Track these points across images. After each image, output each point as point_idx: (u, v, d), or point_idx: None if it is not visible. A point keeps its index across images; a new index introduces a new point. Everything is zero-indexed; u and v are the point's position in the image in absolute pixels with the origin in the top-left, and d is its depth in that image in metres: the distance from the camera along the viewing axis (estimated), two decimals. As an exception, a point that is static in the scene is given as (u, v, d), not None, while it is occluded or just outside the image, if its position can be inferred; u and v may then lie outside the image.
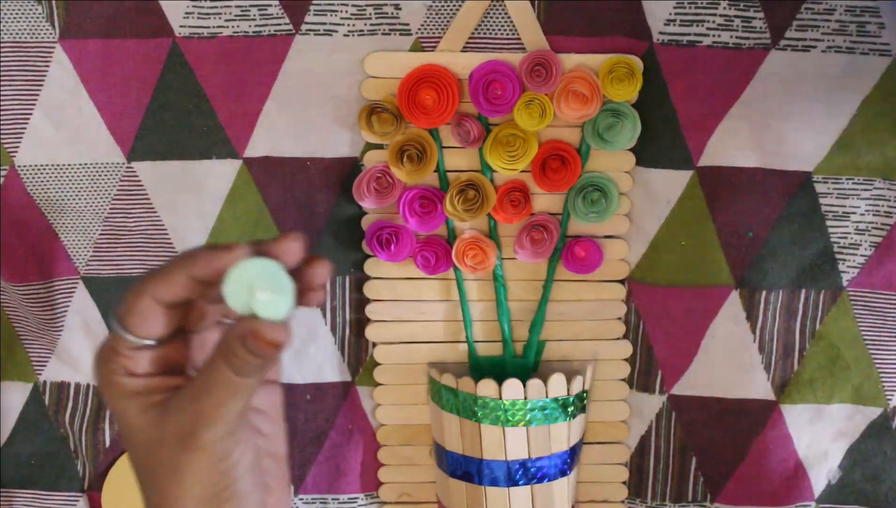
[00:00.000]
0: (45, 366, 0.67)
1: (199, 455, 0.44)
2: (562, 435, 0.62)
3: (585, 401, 0.64)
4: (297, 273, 0.45)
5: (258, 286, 0.43)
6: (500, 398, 0.61)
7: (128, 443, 0.46)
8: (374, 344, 0.65)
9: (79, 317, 0.65)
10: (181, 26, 0.59)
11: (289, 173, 0.62)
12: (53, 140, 0.61)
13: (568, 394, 0.62)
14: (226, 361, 0.43)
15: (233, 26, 0.59)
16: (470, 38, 0.60)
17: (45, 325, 0.65)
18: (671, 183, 0.61)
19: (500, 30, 0.60)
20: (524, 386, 0.61)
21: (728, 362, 0.65)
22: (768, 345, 0.65)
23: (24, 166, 0.62)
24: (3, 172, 0.62)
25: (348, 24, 0.59)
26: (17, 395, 0.68)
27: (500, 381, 0.61)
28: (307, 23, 0.59)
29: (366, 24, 0.59)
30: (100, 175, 0.62)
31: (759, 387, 0.65)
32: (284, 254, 0.44)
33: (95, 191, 0.63)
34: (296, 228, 0.62)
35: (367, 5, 0.59)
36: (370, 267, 0.64)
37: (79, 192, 0.63)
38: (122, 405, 0.45)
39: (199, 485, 0.45)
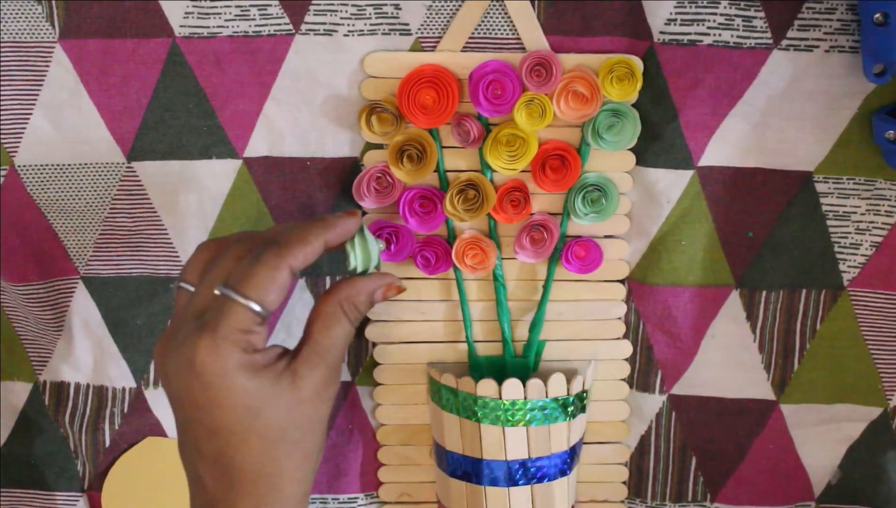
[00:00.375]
0: (45, 366, 0.67)
1: (329, 405, 0.51)
2: (562, 435, 0.62)
3: (585, 401, 0.64)
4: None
5: (379, 244, 0.54)
6: (500, 398, 0.61)
7: (251, 420, 0.48)
8: (374, 344, 0.65)
9: (79, 317, 0.65)
10: (181, 26, 0.59)
11: (289, 173, 0.62)
12: (53, 140, 0.61)
13: (568, 394, 0.62)
14: (348, 316, 0.51)
15: (233, 26, 0.59)
16: (470, 38, 0.60)
17: (45, 325, 0.65)
18: (671, 183, 0.61)
19: (500, 30, 0.59)
20: (524, 386, 0.61)
21: (728, 362, 0.65)
22: (768, 345, 0.65)
23: (24, 166, 0.62)
24: (3, 172, 0.62)
25: (348, 24, 0.59)
26: (17, 395, 0.68)
27: (500, 381, 0.61)
28: (307, 23, 0.59)
29: (366, 24, 0.59)
30: (100, 175, 0.62)
31: (759, 387, 0.65)
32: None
33: (95, 191, 0.63)
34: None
35: (367, 5, 0.59)
36: (370, 267, 0.64)
37: (79, 192, 0.63)
38: (255, 384, 0.48)
39: (323, 436, 0.51)
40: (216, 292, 0.49)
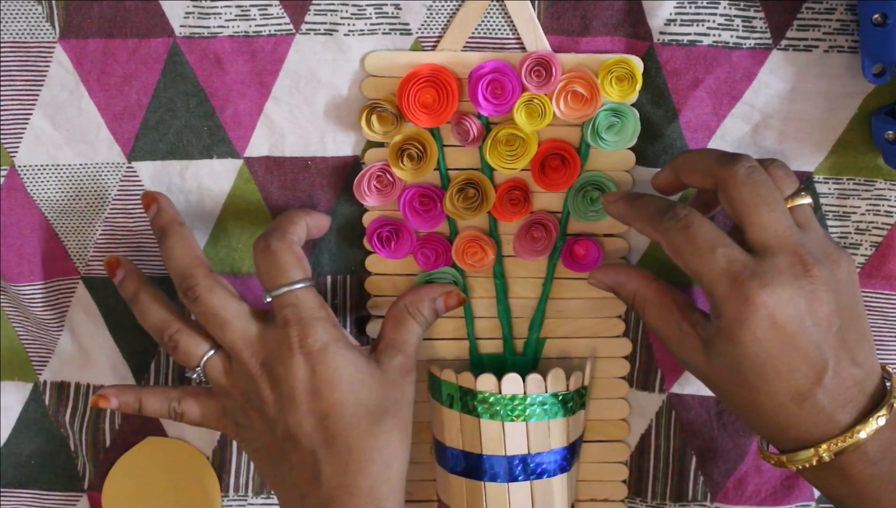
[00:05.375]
0: (45, 366, 0.67)
1: (412, 389, 0.59)
2: (561, 431, 0.62)
3: (585, 397, 0.64)
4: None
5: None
6: (500, 393, 0.61)
7: (357, 393, 0.56)
8: (375, 342, 0.66)
9: (79, 317, 0.65)
10: (182, 26, 0.59)
11: (289, 173, 0.62)
12: (53, 140, 0.61)
13: (567, 390, 0.62)
14: (414, 318, 0.60)
15: (233, 26, 0.59)
16: (470, 38, 0.60)
17: (45, 325, 0.65)
18: (671, 182, 0.61)
19: (500, 30, 0.59)
20: (524, 381, 0.61)
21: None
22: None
23: (24, 166, 0.62)
24: (3, 172, 0.62)
25: (349, 24, 0.59)
26: (17, 395, 0.68)
27: (500, 379, 0.61)
28: (307, 23, 0.59)
29: (366, 24, 0.59)
30: (100, 175, 0.62)
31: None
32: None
33: (95, 191, 0.62)
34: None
35: (367, 5, 0.59)
36: (371, 263, 0.64)
37: (79, 192, 0.62)
38: (353, 356, 0.57)
39: (410, 418, 0.59)
40: (268, 299, 0.56)
